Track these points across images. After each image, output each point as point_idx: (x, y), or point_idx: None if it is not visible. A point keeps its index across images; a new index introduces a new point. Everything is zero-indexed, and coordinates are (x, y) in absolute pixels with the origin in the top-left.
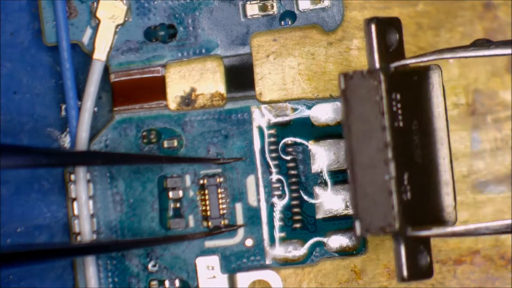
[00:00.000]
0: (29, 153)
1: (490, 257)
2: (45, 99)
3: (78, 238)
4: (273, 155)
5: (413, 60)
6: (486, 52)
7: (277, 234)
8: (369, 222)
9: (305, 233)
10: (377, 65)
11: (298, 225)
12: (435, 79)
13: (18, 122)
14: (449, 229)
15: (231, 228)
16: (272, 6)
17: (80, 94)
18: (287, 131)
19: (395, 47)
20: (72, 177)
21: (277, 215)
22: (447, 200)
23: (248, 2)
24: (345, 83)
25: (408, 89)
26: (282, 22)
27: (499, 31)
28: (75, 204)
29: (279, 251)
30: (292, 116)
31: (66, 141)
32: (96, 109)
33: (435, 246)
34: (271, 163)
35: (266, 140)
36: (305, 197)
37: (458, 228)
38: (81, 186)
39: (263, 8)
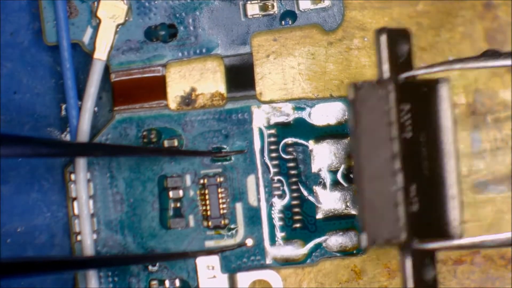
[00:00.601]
0: (29, 142)
1: (490, 257)
2: (45, 99)
3: (79, 237)
4: (273, 155)
5: (423, 71)
6: (496, 63)
7: (278, 234)
8: (375, 234)
9: (305, 233)
10: (387, 75)
11: (298, 225)
12: (444, 92)
13: (18, 122)
14: (455, 242)
15: (232, 248)
16: (273, 6)
17: (80, 93)
18: (287, 131)
19: (404, 58)
20: (72, 176)
21: (275, 214)
22: (454, 214)
23: (249, 2)
24: (354, 93)
25: (417, 101)
26: (283, 22)
27: (499, 31)
28: (75, 203)
29: (279, 250)
30: (292, 116)
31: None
32: (96, 108)
33: None
34: (269, 163)
35: (266, 140)
36: (305, 193)
37: (464, 241)
38: (81, 185)
39: (263, 8)
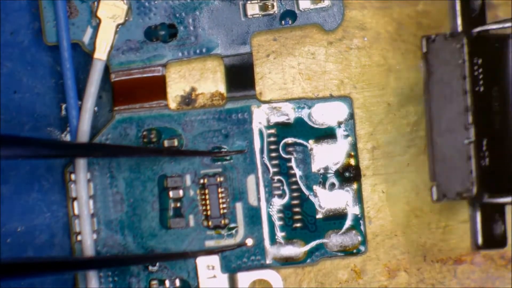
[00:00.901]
0: (30, 143)
1: (490, 256)
2: (45, 98)
3: (79, 237)
4: (273, 154)
5: (494, 26)
6: None
7: (278, 233)
8: (446, 186)
9: (305, 233)
10: (460, 28)
11: (298, 225)
12: None
13: (18, 122)
14: None
15: (232, 248)
16: (273, 6)
17: (80, 93)
18: (287, 130)
19: (477, 13)
20: (72, 176)
21: (274, 214)
22: None
23: (249, 2)
24: (427, 46)
25: (489, 55)
26: (283, 22)
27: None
28: (75, 203)
29: (279, 250)
30: (292, 116)
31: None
32: (96, 108)
33: (435, 246)
34: (269, 163)
35: (266, 140)
36: (306, 193)
37: None
38: (82, 185)
39: (263, 7)
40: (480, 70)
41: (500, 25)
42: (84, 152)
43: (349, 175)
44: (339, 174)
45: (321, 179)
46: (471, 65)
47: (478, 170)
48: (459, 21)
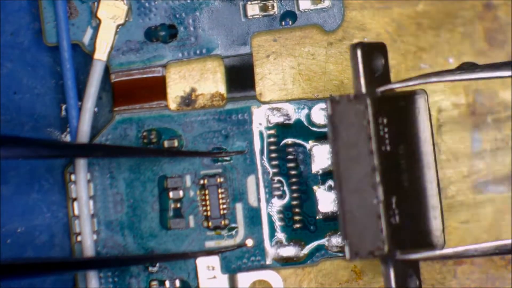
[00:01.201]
0: (30, 144)
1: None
2: (45, 99)
3: (79, 238)
4: (274, 155)
5: (399, 85)
6: (472, 76)
7: (279, 234)
8: (358, 246)
9: (305, 233)
10: (364, 89)
11: (298, 225)
12: (421, 104)
13: (18, 122)
14: (437, 252)
15: (232, 248)
16: (273, 6)
17: (80, 94)
18: (287, 131)
19: (381, 71)
20: (72, 177)
21: (274, 215)
22: (435, 223)
23: (249, 2)
24: (331, 108)
25: (395, 114)
26: (283, 22)
27: (499, 31)
28: (75, 204)
29: (279, 251)
30: (292, 116)
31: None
32: (96, 109)
33: None
34: (269, 164)
35: (266, 140)
36: (306, 193)
37: (447, 251)
38: (82, 186)
39: (263, 8)
40: (386, 129)
41: (403, 84)
42: (84, 153)
43: None
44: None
45: (321, 179)
46: (376, 125)
47: (388, 228)
48: (362, 82)
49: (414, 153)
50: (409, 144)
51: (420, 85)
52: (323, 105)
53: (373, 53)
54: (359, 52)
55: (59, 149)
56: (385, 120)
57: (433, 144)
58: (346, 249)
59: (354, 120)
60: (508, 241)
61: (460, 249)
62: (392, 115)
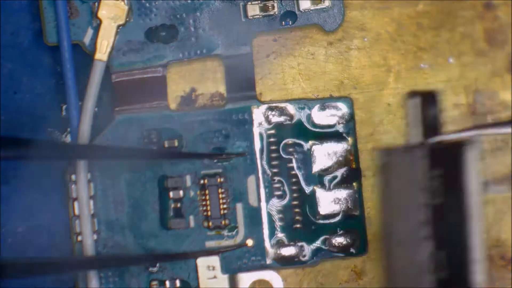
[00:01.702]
0: (30, 145)
1: (490, 257)
2: (46, 99)
3: (79, 238)
4: (274, 155)
5: (453, 135)
6: None
7: (279, 234)
8: None
9: (305, 233)
10: (419, 140)
11: (298, 226)
12: (471, 155)
13: (18, 122)
14: None
15: (232, 248)
16: (273, 7)
17: (81, 94)
18: (287, 131)
19: (433, 121)
20: (73, 177)
21: (275, 215)
22: (479, 278)
23: (249, 3)
24: (384, 159)
25: (446, 164)
26: (283, 23)
27: (499, 31)
28: (75, 204)
29: (280, 251)
30: (292, 116)
31: (67, 141)
32: (97, 109)
33: None
34: (269, 164)
35: (266, 140)
36: (306, 193)
37: None
38: (82, 186)
39: (264, 8)
40: (439, 181)
41: (458, 135)
42: (85, 154)
43: (349, 175)
44: (339, 174)
45: (321, 179)
46: (428, 177)
47: (436, 283)
48: (415, 131)
49: (462, 205)
50: (458, 196)
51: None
52: (323, 105)
53: (426, 102)
54: (414, 102)
55: (60, 150)
56: (437, 172)
57: (481, 197)
58: None
59: (406, 171)
60: None
61: None
62: (444, 167)
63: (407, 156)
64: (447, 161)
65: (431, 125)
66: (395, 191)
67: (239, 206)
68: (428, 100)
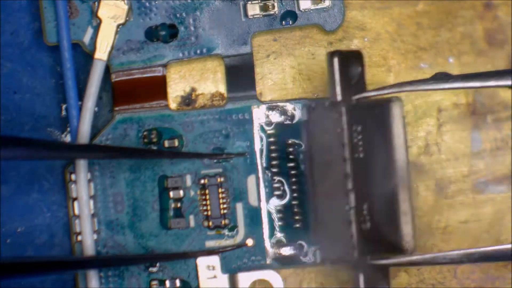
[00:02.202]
0: (30, 145)
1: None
2: (46, 99)
3: (79, 238)
4: (274, 155)
5: (374, 93)
6: (445, 85)
7: (279, 234)
8: (329, 251)
9: (305, 233)
10: (339, 97)
11: (298, 225)
12: (396, 111)
13: (18, 122)
14: (407, 258)
15: (232, 248)
16: (273, 6)
17: (80, 94)
18: (287, 131)
19: (356, 79)
20: (73, 176)
21: (275, 214)
22: (406, 229)
23: (249, 2)
24: (308, 115)
25: (369, 121)
26: (283, 22)
27: (499, 31)
28: (75, 203)
29: (280, 250)
30: (292, 116)
31: (66, 141)
32: (96, 109)
33: (435, 246)
34: (270, 164)
35: (266, 140)
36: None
37: (416, 257)
38: (82, 185)
39: (264, 8)
40: (360, 136)
41: (378, 92)
42: (85, 154)
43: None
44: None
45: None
46: (350, 133)
47: (358, 235)
48: (338, 89)
49: (388, 160)
50: (383, 151)
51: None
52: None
53: (349, 61)
54: (335, 60)
55: (60, 150)
56: (359, 128)
57: (407, 151)
58: (317, 254)
59: (329, 127)
60: (474, 250)
61: (428, 256)
62: (366, 122)
63: (331, 111)
64: (370, 117)
65: (355, 83)
66: (319, 146)
67: (239, 206)
68: (351, 59)
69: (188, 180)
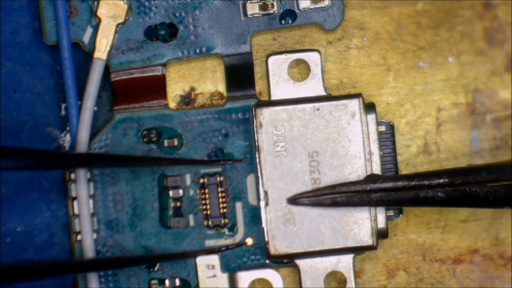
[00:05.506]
0: (29, 155)
1: (489, 256)
2: (45, 98)
3: (79, 237)
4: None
5: None
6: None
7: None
8: None
9: None
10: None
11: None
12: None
13: (18, 121)
14: None
15: (232, 247)
16: (273, 5)
17: (80, 93)
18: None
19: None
20: (72, 176)
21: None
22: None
23: (249, 1)
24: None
25: None
26: (282, 21)
27: (498, 30)
28: (75, 203)
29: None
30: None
31: (66, 140)
32: (96, 108)
33: (434, 245)
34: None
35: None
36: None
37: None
38: (82, 185)
39: (263, 7)
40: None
41: None
42: (85, 164)
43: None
44: None
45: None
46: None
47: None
48: None
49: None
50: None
51: None
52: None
53: None
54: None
55: (60, 160)
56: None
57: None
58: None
59: None
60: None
61: None
62: None
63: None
64: None
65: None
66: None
67: (238, 205)
68: None
69: (188, 179)
